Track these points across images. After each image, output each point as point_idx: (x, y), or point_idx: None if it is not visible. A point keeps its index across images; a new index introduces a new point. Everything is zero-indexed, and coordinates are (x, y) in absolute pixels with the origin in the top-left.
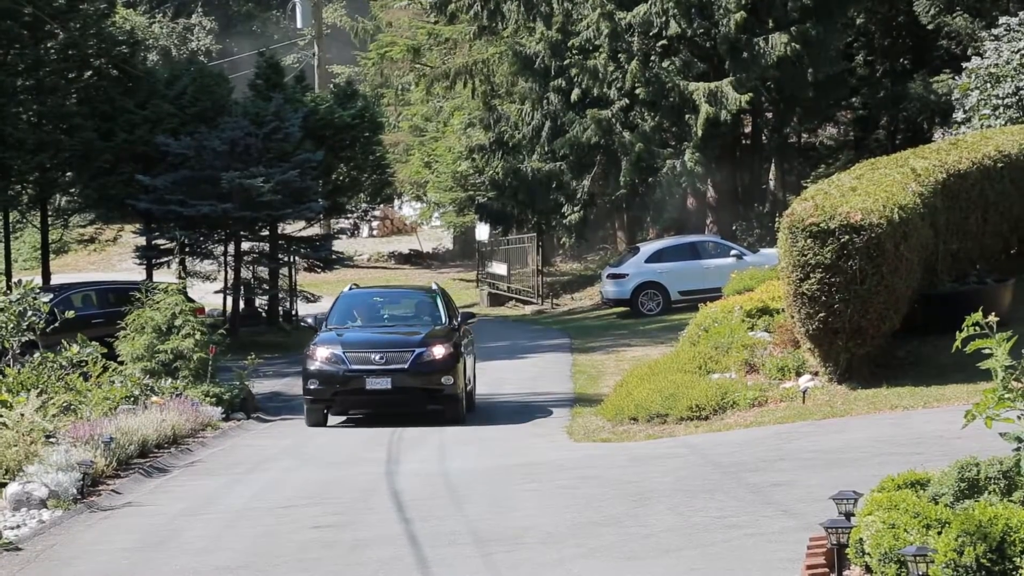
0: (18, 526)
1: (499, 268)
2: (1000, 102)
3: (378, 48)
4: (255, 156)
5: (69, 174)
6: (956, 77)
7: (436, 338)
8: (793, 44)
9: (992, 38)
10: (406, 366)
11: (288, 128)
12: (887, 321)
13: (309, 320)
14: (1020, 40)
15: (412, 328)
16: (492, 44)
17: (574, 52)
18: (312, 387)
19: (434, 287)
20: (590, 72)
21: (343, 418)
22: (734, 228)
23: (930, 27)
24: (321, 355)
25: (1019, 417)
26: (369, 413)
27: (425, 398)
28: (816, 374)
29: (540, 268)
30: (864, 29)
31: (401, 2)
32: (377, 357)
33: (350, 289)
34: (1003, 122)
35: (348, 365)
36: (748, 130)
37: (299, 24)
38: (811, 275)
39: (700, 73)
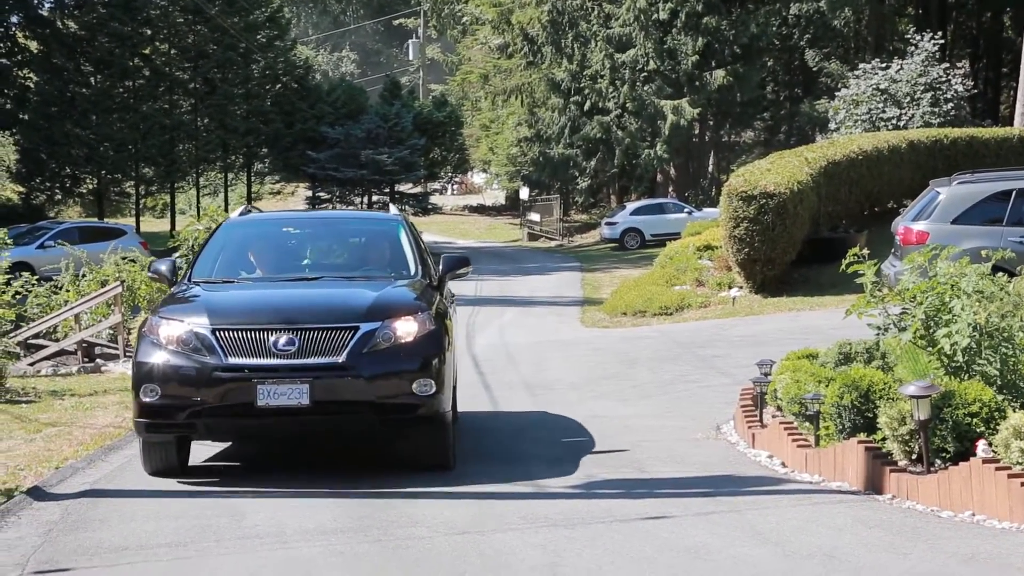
0: None
1: (535, 216)
2: (859, 118)
3: (461, 74)
4: (382, 141)
5: (264, 150)
6: (831, 101)
7: (401, 302)
8: (728, 78)
9: (854, 76)
10: (341, 358)
11: (403, 124)
12: (787, 255)
13: (161, 268)
14: (872, 78)
15: (354, 284)
16: (534, 72)
17: (587, 78)
18: (148, 400)
19: (394, 213)
20: (597, 92)
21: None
22: (687, 194)
23: (815, 69)
24: (165, 334)
25: (879, 314)
26: (255, 452)
27: (377, 423)
28: (742, 288)
29: (561, 217)
30: (773, 69)
31: (477, 44)
32: (281, 340)
33: (241, 214)
34: (860, 130)
35: (221, 357)
36: (697, 131)
37: (411, 57)
38: (740, 224)
39: (668, 94)
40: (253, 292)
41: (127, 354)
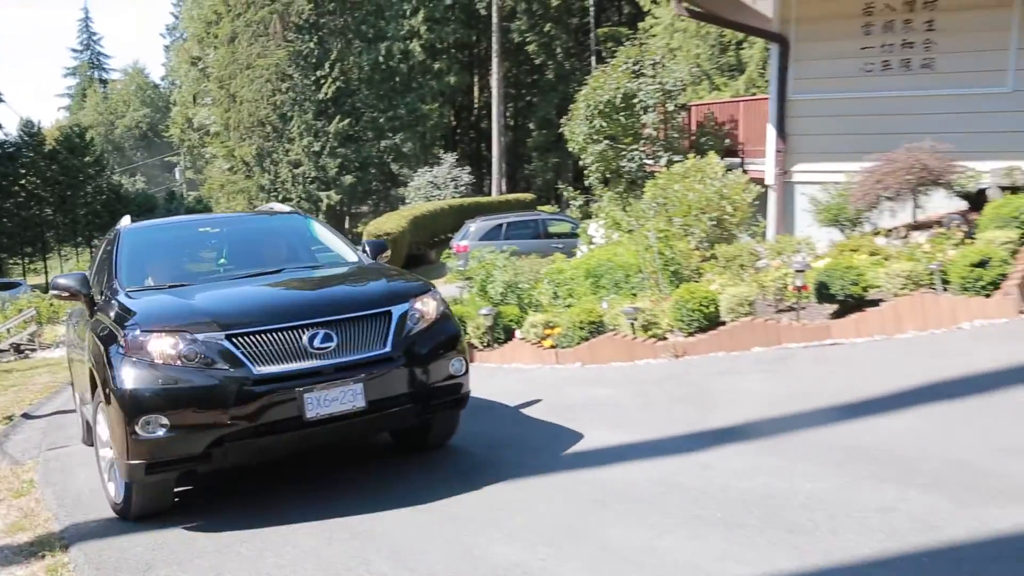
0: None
1: None
2: (421, 195)
3: (209, 184)
4: None
5: (97, 233)
6: (406, 188)
7: (408, 282)
8: (353, 179)
9: (417, 175)
10: (386, 348)
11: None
12: (399, 264)
13: (64, 281)
14: (425, 175)
15: (328, 269)
16: (249, 181)
17: (280, 183)
18: (153, 435)
19: (288, 208)
20: (285, 190)
21: None
22: None
23: (396, 172)
24: (158, 350)
25: (460, 284)
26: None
27: (418, 409)
28: None
29: None
30: (376, 174)
31: (216, 168)
32: (318, 338)
33: (132, 221)
34: (423, 201)
35: (249, 367)
36: (339, 208)
37: (178, 178)
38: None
39: (323, 189)
40: (241, 290)
41: (41, 347)
